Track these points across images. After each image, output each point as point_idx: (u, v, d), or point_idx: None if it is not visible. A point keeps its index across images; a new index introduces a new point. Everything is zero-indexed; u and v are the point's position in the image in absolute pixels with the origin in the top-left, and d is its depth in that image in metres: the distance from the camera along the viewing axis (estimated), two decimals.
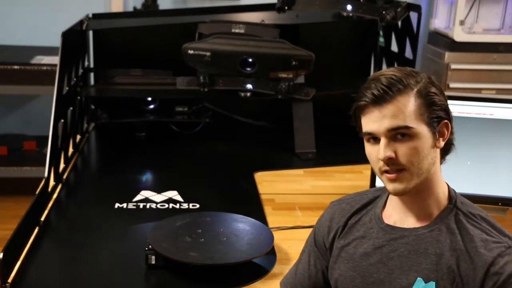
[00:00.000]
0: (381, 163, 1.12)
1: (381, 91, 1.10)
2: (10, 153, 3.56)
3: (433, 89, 1.12)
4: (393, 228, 1.17)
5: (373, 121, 1.12)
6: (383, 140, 1.11)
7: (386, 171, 1.12)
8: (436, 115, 1.11)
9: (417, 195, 1.15)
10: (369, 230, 1.20)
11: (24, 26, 3.64)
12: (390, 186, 1.13)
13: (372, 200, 1.25)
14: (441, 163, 1.18)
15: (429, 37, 3.68)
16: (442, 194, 1.16)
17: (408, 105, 1.10)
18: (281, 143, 2.61)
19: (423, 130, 1.11)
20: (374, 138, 1.13)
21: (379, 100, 1.11)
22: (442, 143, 1.14)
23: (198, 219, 1.78)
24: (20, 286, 1.49)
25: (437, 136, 1.13)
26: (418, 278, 1.11)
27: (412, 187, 1.13)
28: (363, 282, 1.18)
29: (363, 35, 2.88)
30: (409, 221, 1.16)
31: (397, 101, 1.10)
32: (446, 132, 1.14)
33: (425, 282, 1.11)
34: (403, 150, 1.11)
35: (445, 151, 1.17)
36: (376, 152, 1.13)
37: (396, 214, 1.19)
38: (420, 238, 1.13)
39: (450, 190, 1.17)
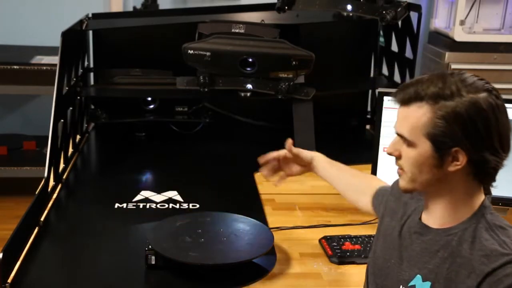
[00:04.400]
0: None
1: (400, 93, 1.12)
2: (10, 153, 3.57)
3: (445, 112, 1.06)
4: (420, 224, 1.19)
5: (396, 117, 1.15)
6: (395, 137, 1.15)
7: None
8: (443, 140, 1.07)
9: (437, 201, 1.15)
10: (411, 218, 1.23)
11: (24, 26, 3.64)
12: (398, 179, 1.19)
13: None
14: (486, 191, 1.13)
15: (430, 37, 3.68)
16: (470, 205, 1.12)
17: (416, 116, 1.09)
18: (281, 143, 2.60)
19: (424, 146, 1.09)
20: None
21: (399, 100, 1.13)
22: (454, 168, 1.08)
23: (198, 219, 1.78)
24: (20, 287, 1.48)
25: (451, 160, 1.08)
26: (418, 275, 1.13)
27: (410, 189, 1.15)
28: (383, 264, 1.24)
29: (363, 35, 2.88)
30: (435, 222, 1.16)
31: (411, 108, 1.10)
32: (461, 159, 1.07)
33: (423, 281, 1.12)
34: (403, 154, 1.14)
35: (479, 177, 1.10)
36: None
37: (425, 213, 1.19)
38: (436, 239, 1.13)
39: (484, 201, 1.13)
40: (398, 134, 1.14)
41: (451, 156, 1.08)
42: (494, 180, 1.12)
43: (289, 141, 1.68)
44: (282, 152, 1.68)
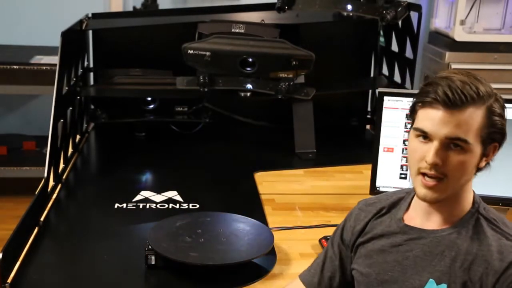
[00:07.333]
0: (424, 164, 1.09)
1: (457, 95, 1.05)
2: (9, 153, 3.57)
3: (498, 108, 1.09)
4: (412, 228, 1.16)
5: (433, 122, 1.07)
6: (436, 144, 1.08)
7: (425, 174, 1.09)
8: (492, 137, 1.09)
9: (443, 202, 1.13)
10: (388, 228, 1.20)
11: (24, 26, 3.64)
12: (422, 191, 1.11)
13: (397, 202, 1.24)
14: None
15: (430, 37, 3.68)
16: (467, 201, 1.14)
17: (475, 119, 1.06)
18: (281, 143, 2.61)
19: (476, 148, 1.08)
20: (425, 137, 1.09)
21: (451, 103, 1.06)
22: (483, 164, 1.11)
23: (198, 219, 1.77)
24: (20, 287, 1.48)
25: (483, 157, 1.11)
26: (431, 279, 1.10)
27: (443, 198, 1.11)
28: (377, 279, 1.18)
29: (363, 35, 2.88)
30: (430, 224, 1.15)
31: (468, 111, 1.06)
32: (491, 155, 1.11)
33: (437, 284, 1.10)
34: (452, 160, 1.07)
35: (482, 169, 1.14)
36: (422, 151, 1.09)
37: (418, 217, 1.17)
38: (438, 240, 1.12)
39: (475, 196, 1.15)
40: (451, 138, 1.07)
41: (486, 153, 1.11)
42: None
43: None
44: None
